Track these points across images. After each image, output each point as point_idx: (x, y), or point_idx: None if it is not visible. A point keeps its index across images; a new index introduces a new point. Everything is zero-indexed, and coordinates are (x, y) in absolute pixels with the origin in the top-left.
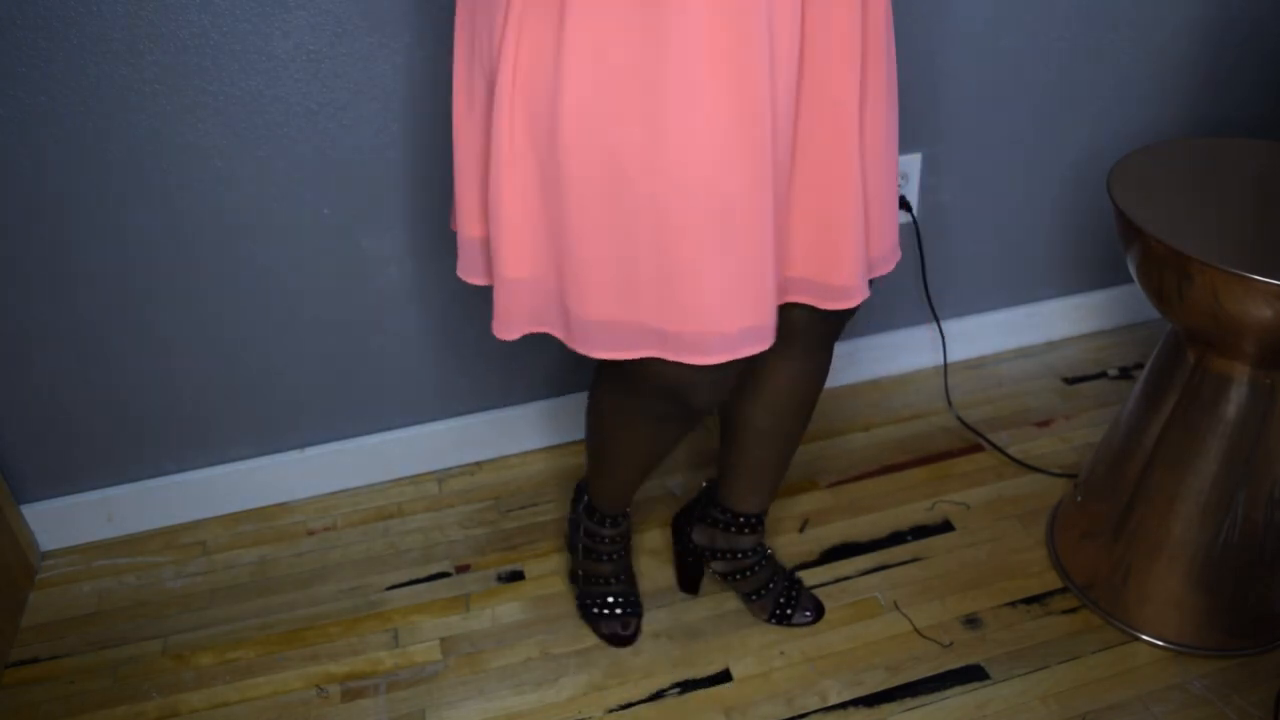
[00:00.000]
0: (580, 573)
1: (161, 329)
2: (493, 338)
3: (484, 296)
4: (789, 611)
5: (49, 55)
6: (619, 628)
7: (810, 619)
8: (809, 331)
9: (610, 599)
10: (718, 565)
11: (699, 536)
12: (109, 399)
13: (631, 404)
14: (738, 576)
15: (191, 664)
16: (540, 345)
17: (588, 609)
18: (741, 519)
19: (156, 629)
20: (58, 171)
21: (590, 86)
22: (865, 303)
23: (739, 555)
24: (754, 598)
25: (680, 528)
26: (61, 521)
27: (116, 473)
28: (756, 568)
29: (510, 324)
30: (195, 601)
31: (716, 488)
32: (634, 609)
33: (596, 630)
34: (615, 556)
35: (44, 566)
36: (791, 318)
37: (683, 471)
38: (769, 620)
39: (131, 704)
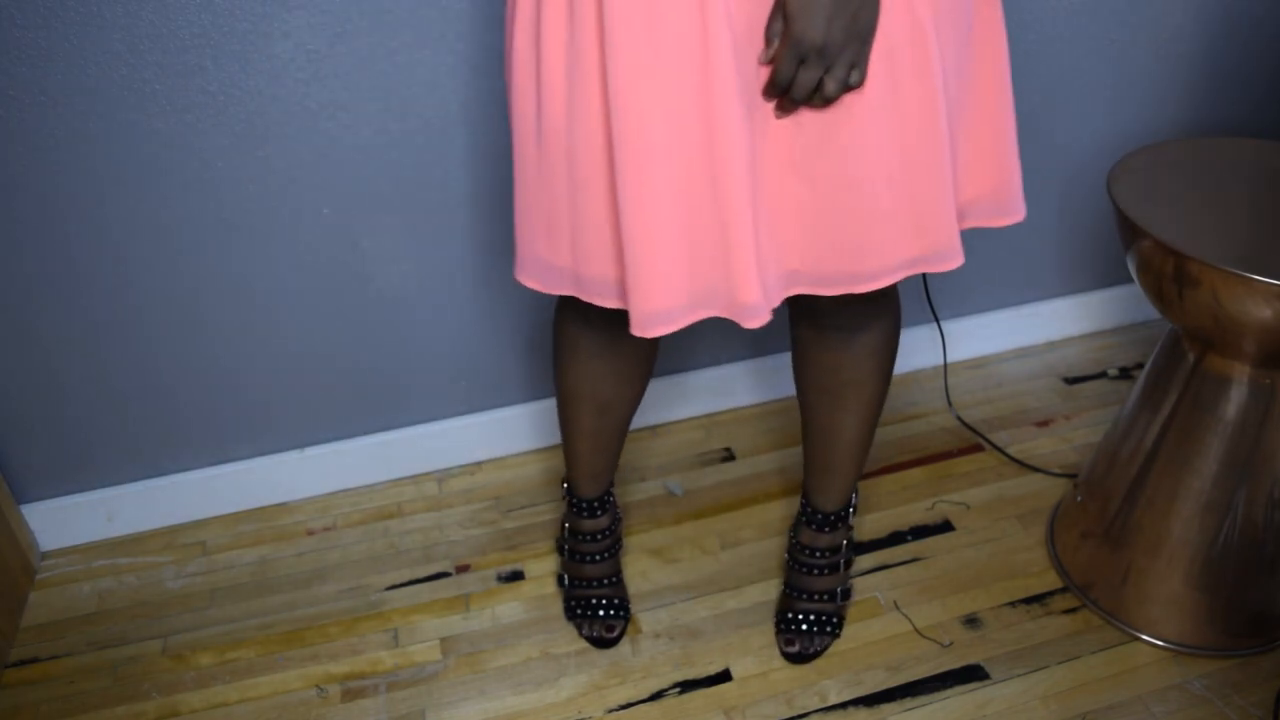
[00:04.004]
0: (566, 575)
1: (161, 329)
2: (493, 338)
3: (483, 298)
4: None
5: (49, 55)
6: (602, 630)
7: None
8: (820, 317)
9: (594, 601)
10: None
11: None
12: (109, 399)
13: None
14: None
15: (191, 664)
16: (540, 346)
17: (572, 610)
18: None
19: (156, 629)
20: (57, 172)
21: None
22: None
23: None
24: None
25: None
26: (61, 521)
27: (116, 473)
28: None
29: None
30: (195, 601)
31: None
32: (619, 612)
33: (580, 632)
34: (600, 558)
35: (44, 566)
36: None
37: (681, 471)
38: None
39: (131, 704)
